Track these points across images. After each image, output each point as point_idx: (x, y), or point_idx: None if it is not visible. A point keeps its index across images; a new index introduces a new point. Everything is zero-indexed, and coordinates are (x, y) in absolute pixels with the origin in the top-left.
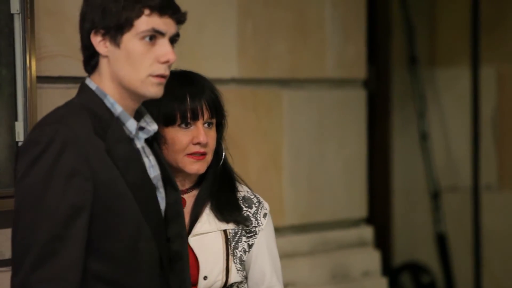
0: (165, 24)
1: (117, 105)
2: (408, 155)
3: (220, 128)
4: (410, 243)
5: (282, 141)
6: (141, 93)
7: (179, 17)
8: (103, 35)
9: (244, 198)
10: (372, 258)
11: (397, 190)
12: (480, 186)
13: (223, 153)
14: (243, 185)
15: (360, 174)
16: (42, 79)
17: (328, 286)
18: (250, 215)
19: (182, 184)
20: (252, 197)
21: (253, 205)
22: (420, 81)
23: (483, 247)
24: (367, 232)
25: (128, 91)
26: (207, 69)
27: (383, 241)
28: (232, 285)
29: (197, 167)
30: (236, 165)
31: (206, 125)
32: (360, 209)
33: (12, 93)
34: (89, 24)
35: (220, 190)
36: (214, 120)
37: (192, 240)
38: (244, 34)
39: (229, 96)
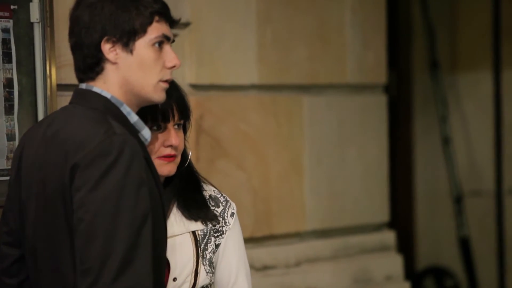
0: (168, 29)
1: (133, 114)
2: (431, 159)
3: (185, 129)
4: (434, 247)
5: (303, 147)
6: (150, 99)
7: (175, 23)
8: (114, 42)
9: (210, 197)
10: (394, 263)
11: (420, 194)
12: (503, 190)
13: (189, 154)
14: (209, 185)
15: (382, 179)
16: (62, 87)
17: None
18: (218, 214)
19: None
20: (219, 196)
21: (220, 204)
22: (441, 85)
23: (507, 250)
24: (390, 237)
25: (136, 97)
26: (227, 76)
27: (406, 246)
28: (200, 287)
29: (168, 168)
30: (257, 171)
31: (176, 126)
32: (382, 213)
33: (33, 101)
34: (98, 32)
35: (186, 190)
36: (182, 122)
37: None
38: (263, 40)
39: (249, 103)
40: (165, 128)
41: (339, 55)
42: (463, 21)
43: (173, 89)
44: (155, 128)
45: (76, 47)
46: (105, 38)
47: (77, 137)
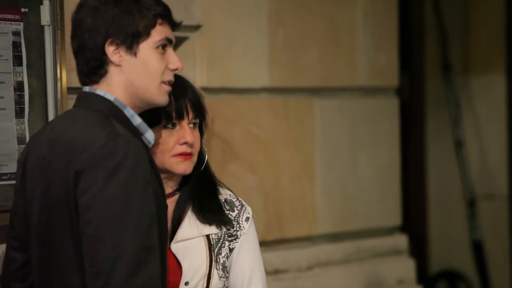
0: (171, 32)
1: (136, 116)
2: (443, 162)
3: (201, 129)
4: (446, 251)
5: (314, 149)
6: (154, 101)
7: (177, 26)
8: (118, 45)
9: (226, 201)
10: (407, 266)
11: (432, 197)
12: None
13: (206, 156)
14: (225, 189)
15: (394, 182)
16: (73, 90)
17: None
18: (232, 218)
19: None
20: (234, 200)
21: (235, 208)
22: (454, 88)
23: None
24: (402, 240)
25: (139, 100)
26: (238, 79)
27: (419, 249)
28: None
29: (184, 166)
30: (268, 174)
31: (191, 125)
32: (394, 217)
33: (43, 104)
34: (101, 36)
35: (202, 193)
36: (197, 120)
37: (174, 246)
38: (275, 43)
39: (260, 106)
40: (180, 126)
41: (351, 57)
42: (475, 23)
43: (188, 88)
44: (169, 126)
45: (79, 51)
46: (109, 41)
47: (80, 140)
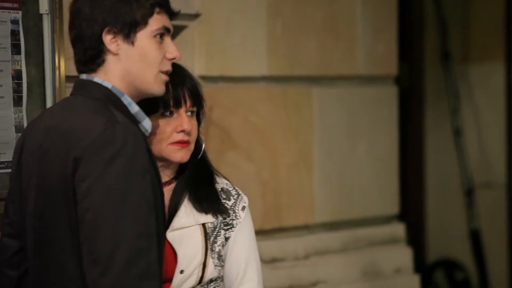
0: (169, 21)
1: (134, 104)
2: (442, 151)
3: (199, 118)
4: (444, 240)
5: (313, 138)
6: (150, 91)
7: (175, 15)
8: (115, 34)
9: (222, 190)
10: (404, 255)
11: (430, 186)
12: None
13: (203, 145)
14: (222, 178)
15: (392, 171)
16: (71, 78)
17: (359, 283)
18: (228, 207)
19: (161, 177)
20: (231, 189)
21: (231, 197)
22: (453, 77)
23: None
24: (399, 229)
25: (136, 89)
26: (237, 68)
27: (416, 238)
28: (208, 280)
29: (181, 154)
30: (266, 163)
31: (188, 113)
32: (392, 206)
33: (42, 92)
34: (99, 25)
35: (198, 182)
36: (195, 109)
37: (171, 235)
38: (273, 32)
39: (259, 94)
40: (178, 114)
41: (350, 46)
42: (475, 12)
43: (186, 77)
44: (167, 114)
45: (76, 40)
46: (106, 29)
47: (78, 128)
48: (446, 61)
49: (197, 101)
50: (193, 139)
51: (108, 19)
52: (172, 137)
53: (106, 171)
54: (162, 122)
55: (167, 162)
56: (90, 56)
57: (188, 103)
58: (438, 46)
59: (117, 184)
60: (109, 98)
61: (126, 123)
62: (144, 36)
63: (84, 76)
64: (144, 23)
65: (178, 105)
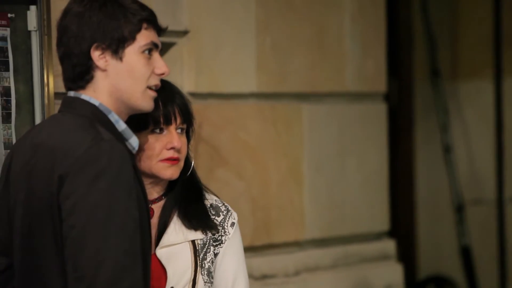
0: (157, 37)
1: (121, 122)
2: (432, 168)
3: (188, 135)
4: (435, 256)
5: (302, 155)
6: (138, 106)
7: (163, 31)
8: (103, 50)
9: (212, 206)
10: (394, 272)
11: (421, 203)
12: (504, 199)
13: (192, 162)
14: (211, 194)
15: (382, 187)
16: (60, 95)
17: None
18: (217, 223)
19: (150, 193)
20: (220, 205)
21: (220, 213)
22: (442, 94)
23: (508, 259)
24: (390, 246)
25: (124, 105)
26: (226, 84)
27: (407, 254)
28: None
29: (171, 172)
30: (256, 180)
31: (178, 130)
32: (382, 222)
33: (30, 109)
34: (87, 41)
35: (188, 198)
36: (185, 126)
37: (159, 252)
38: (263, 48)
39: (248, 111)
40: (167, 131)
41: (339, 63)
42: (464, 29)
43: (176, 94)
44: (157, 131)
45: (64, 57)
46: (94, 45)
47: (64, 145)
48: (435, 78)
49: (187, 119)
50: (182, 156)
51: (96, 36)
52: (162, 154)
53: (90, 188)
54: (152, 138)
55: (156, 179)
56: (79, 73)
57: (178, 120)
58: (427, 62)
59: (102, 201)
60: (96, 115)
61: (112, 141)
62: (133, 52)
63: (72, 93)
64: (132, 38)
65: (168, 122)
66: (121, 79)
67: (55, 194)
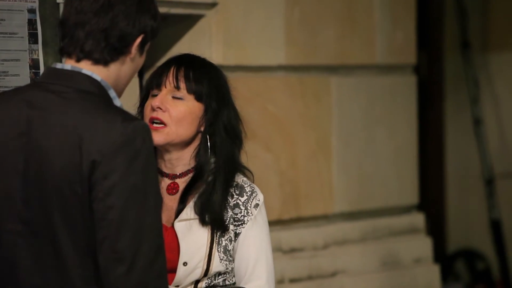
0: None
1: (117, 99)
2: (462, 141)
3: (209, 111)
4: (465, 230)
5: (331, 128)
6: (120, 95)
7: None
8: (143, 40)
9: (237, 185)
10: (424, 245)
11: (451, 176)
12: None
13: (219, 140)
14: (240, 176)
15: (411, 160)
16: None
17: (379, 273)
18: (240, 203)
19: (174, 167)
20: (245, 186)
21: (244, 194)
22: (473, 66)
23: None
24: (419, 219)
25: (117, 89)
26: (254, 57)
27: (436, 228)
28: (215, 274)
29: (155, 138)
30: (285, 153)
31: (171, 96)
32: (411, 196)
33: None
34: (140, 27)
35: (212, 183)
36: (181, 95)
37: (178, 225)
38: (291, 21)
39: (276, 84)
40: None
41: (368, 35)
42: (494, 0)
43: (198, 66)
44: (155, 91)
45: (105, 29)
46: (142, 36)
47: (91, 125)
48: (465, 50)
49: (187, 86)
50: (172, 121)
51: (147, 29)
52: (147, 115)
53: (129, 169)
54: (148, 103)
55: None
56: (111, 49)
57: (171, 85)
58: (458, 34)
59: (139, 182)
60: (101, 91)
61: (140, 120)
62: (145, 49)
63: (68, 67)
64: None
65: (158, 86)
66: (131, 71)
67: (85, 174)
